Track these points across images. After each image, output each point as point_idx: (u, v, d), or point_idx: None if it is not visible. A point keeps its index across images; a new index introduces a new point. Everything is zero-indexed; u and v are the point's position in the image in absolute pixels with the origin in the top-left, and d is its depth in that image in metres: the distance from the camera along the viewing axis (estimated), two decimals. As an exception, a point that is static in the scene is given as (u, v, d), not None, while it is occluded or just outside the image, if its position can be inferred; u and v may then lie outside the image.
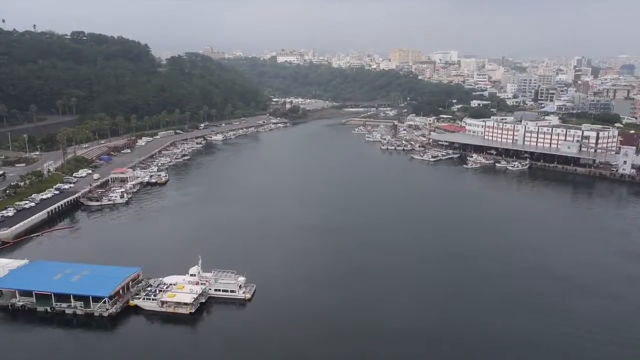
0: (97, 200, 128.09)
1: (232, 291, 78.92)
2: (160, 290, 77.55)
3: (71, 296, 74.33)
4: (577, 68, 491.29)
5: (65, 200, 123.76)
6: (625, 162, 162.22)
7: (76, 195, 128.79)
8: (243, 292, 79.09)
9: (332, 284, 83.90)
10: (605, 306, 77.20)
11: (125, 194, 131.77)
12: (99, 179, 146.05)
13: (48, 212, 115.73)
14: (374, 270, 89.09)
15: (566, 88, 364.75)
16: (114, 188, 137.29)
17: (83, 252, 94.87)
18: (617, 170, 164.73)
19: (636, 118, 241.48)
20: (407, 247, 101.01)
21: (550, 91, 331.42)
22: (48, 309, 74.17)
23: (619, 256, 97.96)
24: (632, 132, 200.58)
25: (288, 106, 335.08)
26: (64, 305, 74.22)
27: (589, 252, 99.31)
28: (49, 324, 72.59)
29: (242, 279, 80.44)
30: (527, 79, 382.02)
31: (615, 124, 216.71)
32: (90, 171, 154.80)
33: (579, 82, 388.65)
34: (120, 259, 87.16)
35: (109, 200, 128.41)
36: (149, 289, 78.68)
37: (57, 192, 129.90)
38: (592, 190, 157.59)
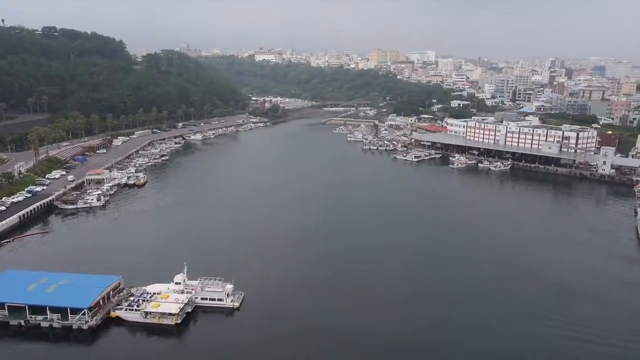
0: (72, 203, 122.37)
1: (219, 300, 75.54)
2: (144, 300, 73.47)
3: (47, 308, 69.62)
4: (551, 69, 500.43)
5: (38, 204, 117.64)
6: (604, 163, 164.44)
7: (50, 198, 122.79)
8: (231, 301, 75.79)
9: (321, 288, 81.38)
10: (598, 311, 76.40)
11: (102, 197, 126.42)
12: (73, 180, 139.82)
13: (20, 217, 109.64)
14: (362, 276, 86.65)
15: (542, 89, 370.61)
16: (90, 190, 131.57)
17: (59, 259, 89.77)
18: (596, 171, 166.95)
19: (612, 119, 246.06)
20: (395, 250, 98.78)
21: (528, 92, 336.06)
22: (22, 322, 69.30)
23: (607, 259, 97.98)
24: (609, 132, 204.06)
25: (267, 105, 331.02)
26: (40, 318, 69.40)
27: (577, 255, 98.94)
28: (23, 339, 67.76)
29: (229, 286, 77.12)
30: (504, 80, 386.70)
31: (593, 125, 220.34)
32: (64, 172, 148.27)
33: (555, 83, 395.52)
34: (99, 267, 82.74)
35: (85, 203, 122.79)
36: (131, 298, 74.48)
37: (29, 194, 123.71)
38: (574, 191, 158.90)
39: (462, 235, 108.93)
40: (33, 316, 69.53)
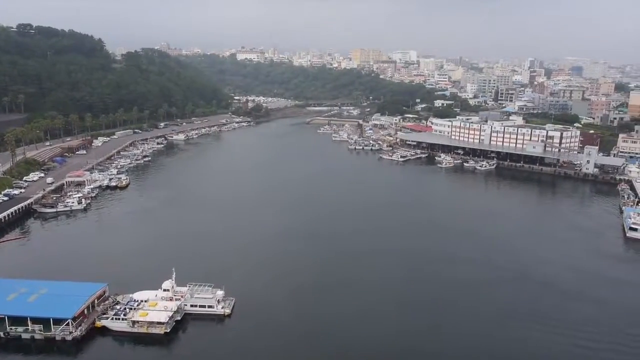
0: (52, 207, 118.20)
1: (210, 306, 73.14)
2: (131, 309, 70.71)
3: (28, 319, 66.29)
4: (531, 69, 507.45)
5: (15, 207, 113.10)
6: (588, 162, 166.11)
7: (28, 201, 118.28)
8: (222, 307, 73.48)
9: (313, 293, 79.66)
10: (593, 311, 76.21)
11: (83, 199, 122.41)
12: (53, 182, 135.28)
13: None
14: (354, 280, 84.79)
15: (523, 89, 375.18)
16: (71, 193, 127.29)
17: (39, 266, 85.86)
18: (580, 169, 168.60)
19: (593, 118, 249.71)
20: (387, 254, 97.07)
21: (510, 91, 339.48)
22: (1, 334, 65.81)
23: (597, 258, 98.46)
24: (591, 132, 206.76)
25: (250, 105, 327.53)
26: (20, 329, 66.01)
27: (566, 255, 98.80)
28: (3, 352, 64.18)
29: (220, 292, 74.77)
30: (486, 80, 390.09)
31: (575, 124, 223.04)
32: (42, 174, 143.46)
33: (535, 83, 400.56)
34: (83, 274, 79.50)
35: (65, 206, 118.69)
36: (117, 307, 71.62)
37: (5, 198, 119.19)
38: (559, 190, 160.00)
39: (458, 236, 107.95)
40: (13, 327, 66.13)
